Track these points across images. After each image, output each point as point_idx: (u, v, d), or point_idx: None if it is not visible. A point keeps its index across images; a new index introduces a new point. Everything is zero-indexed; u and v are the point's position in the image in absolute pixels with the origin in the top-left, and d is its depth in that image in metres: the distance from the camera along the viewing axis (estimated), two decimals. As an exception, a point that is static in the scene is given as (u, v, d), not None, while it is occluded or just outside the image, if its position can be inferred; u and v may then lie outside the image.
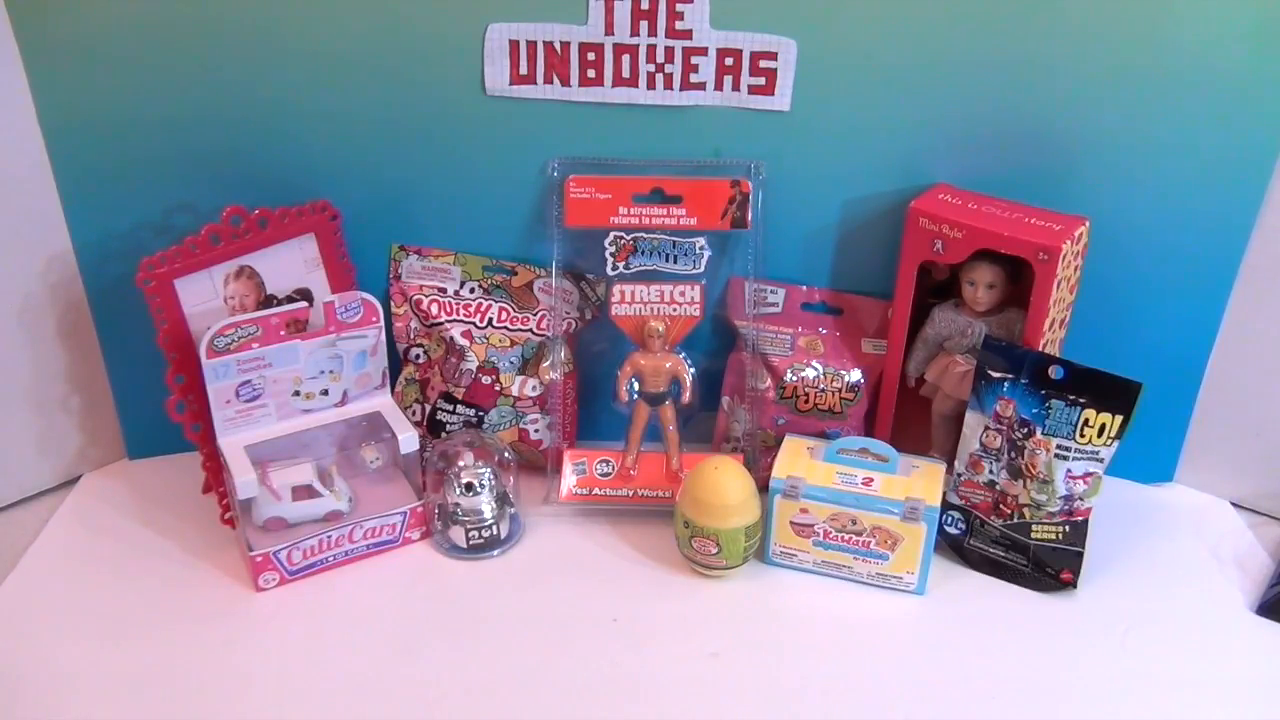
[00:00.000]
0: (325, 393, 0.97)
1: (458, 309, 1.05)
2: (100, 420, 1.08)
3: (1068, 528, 0.92)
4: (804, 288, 1.05)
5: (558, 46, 0.96)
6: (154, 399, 0.93)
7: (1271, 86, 0.90)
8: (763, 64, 0.95)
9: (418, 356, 1.07)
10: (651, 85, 0.97)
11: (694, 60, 0.95)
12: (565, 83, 0.97)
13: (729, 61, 0.95)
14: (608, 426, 1.06)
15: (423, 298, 1.05)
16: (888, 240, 0.99)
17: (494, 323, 1.05)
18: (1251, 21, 0.88)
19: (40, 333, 1.01)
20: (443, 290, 1.06)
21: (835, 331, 1.05)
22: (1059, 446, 0.89)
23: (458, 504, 0.97)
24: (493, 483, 0.98)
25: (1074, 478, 0.90)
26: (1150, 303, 1.00)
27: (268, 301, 0.99)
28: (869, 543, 0.93)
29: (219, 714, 0.82)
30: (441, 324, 1.05)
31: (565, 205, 0.99)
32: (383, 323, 0.96)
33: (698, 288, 1.00)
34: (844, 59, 0.94)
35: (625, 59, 0.96)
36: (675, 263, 1.00)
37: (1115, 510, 1.00)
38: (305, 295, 1.00)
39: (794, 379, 1.02)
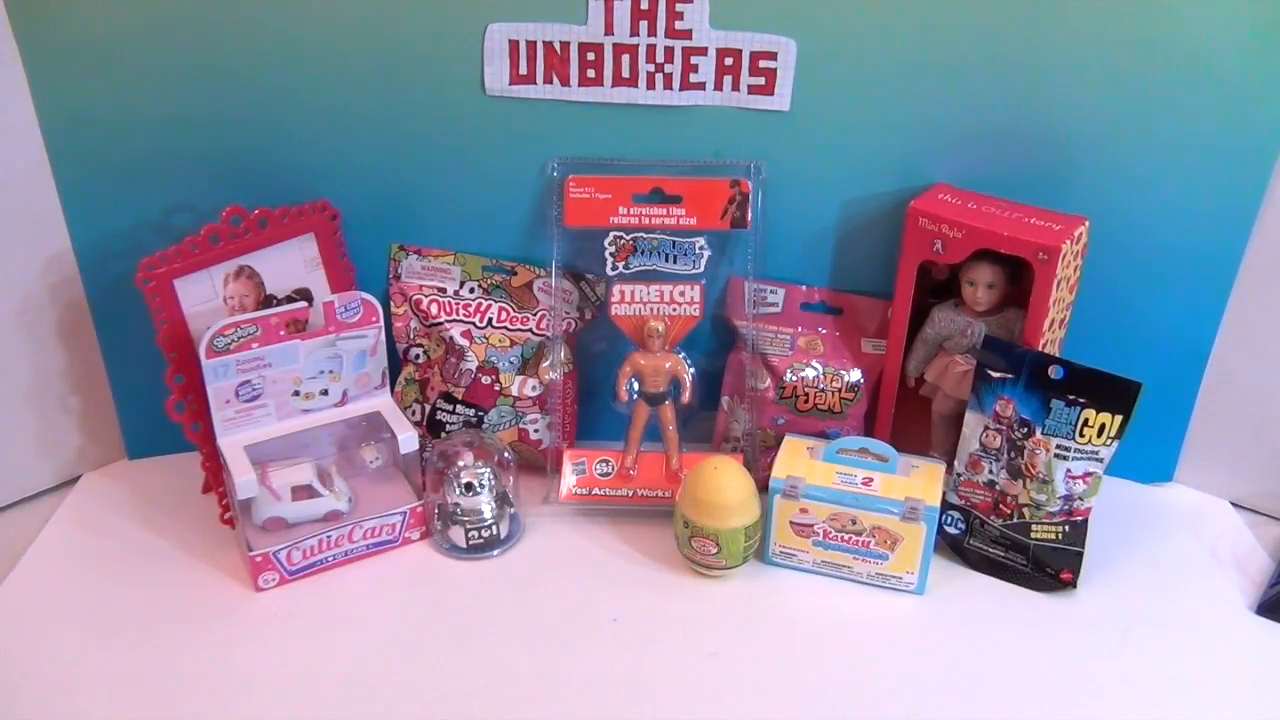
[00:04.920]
0: (325, 393, 0.97)
1: (457, 309, 1.05)
2: (100, 420, 1.08)
3: (1067, 528, 0.92)
4: (804, 288, 1.05)
5: (557, 46, 0.96)
6: (154, 399, 0.93)
7: (1271, 86, 0.90)
8: (762, 64, 0.95)
9: (418, 356, 1.07)
10: (651, 85, 0.97)
11: (694, 60, 0.95)
12: (565, 83, 0.97)
13: (729, 61, 0.95)
14: (607, 426, 1.06)
15: (422, 298, 1.05)
16: (888, 240, 0.99)
17: (494, 323, 1.05)
18: (1251, 21, 0.88)
19: (40, 333, 1.01)
20: (442, 290, 1.06)
21: (835, 331, 1.05)
22: (1059, 446, 0.90)
23: (457, 504, 0.97)
24: (493, 483, 0.98)
25: (1074, 477, 0.90)
26: (1150, 303, 1.00)
27: (267, 301, 0.99)
28: (869, 543, 0.93)
29: (219, 714, 0.81)
30: (441, 324, 1.05)
31: (565, 205, 0.99)
32: (382, 323, 0.96)
33: (697, 288, 1.00)
34: (844, 59, 0.94)
35: (625, 59, 0.96)
36: (675, 263, 1.00)
37: (1115, 510, 1.00)
38: (305, 295, 1.00)
39: (794, 379, 1.02)
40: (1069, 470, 0.90)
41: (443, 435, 1.05)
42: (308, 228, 0.99)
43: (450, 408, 1.05)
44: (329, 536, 0.95)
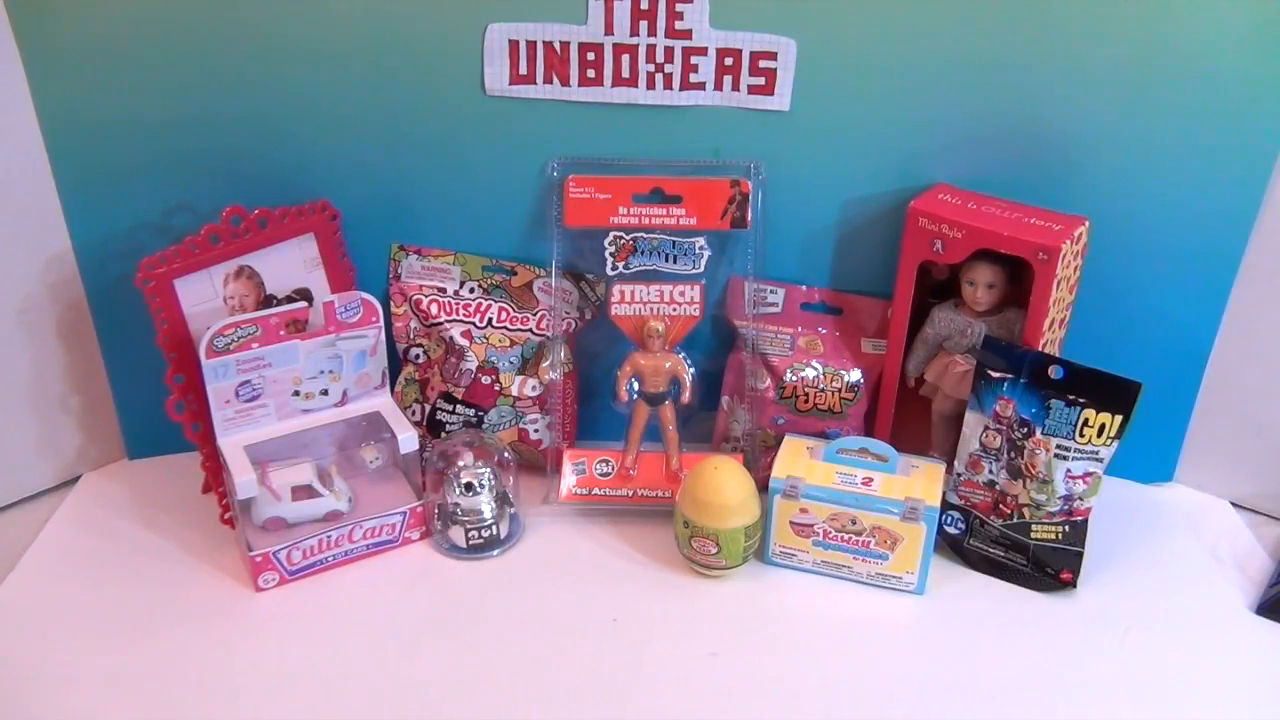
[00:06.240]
0: (325, 393, 0.97)
1: (457, 309, 1.05)
2: (100, 420, 1.08)
3: (1067, 527, 0.92)
4: (804, 288, 1.05)
5: (557, 46, 0.96)
6: (154, 399, 0.93)
7: (1271, 86, 0.90)
8: (762, 64, 0.95)
9: (417, 356, 1.07)
10: (651, 85, 0.97)
11: (694, 60, 0.95)
12: (565, 83, 0.97)
13: (729, 61, 0.95)
14: (607, 426, 1.06)
15: (422, 298, 1.05)
16: (888, 240, 0.99)
17: (494, 323, 1.05)
18: (1251, 22, 0.88)
19: (40, 333, 1.01)
20: (442, 290, 1.06)
21: (835, 331, 1.05)
22: (1059, 446, 0.90)
23: (457, 504, 0.97)
24: (492, 483, 0.98)
25: (1074, 477, 0.90)
26: (1150, 303, 1.00)
27: (267, 301, 0.99)
28: (869, 543, 0.93)
29: (219, 714, 0.82)
30: (441, 324, 1.05)
31: (565, 205, 0.99)
32: (382, 323, 0.96)
33: (697, 288, 1.00)
34: (844, 59, 0.94)
35: (625, 59, 0.96)
36: (675, 263, 1.00)
37: (1115, 510, 1.00)
38: (305, 295, 1.00)
39: (794, 379, 1.02)
40: (1069, 470, 0.90)
41: (443, 435, 1.05)
42: (308, 228, 0.99)
43: (450, 408, 1.05)
44: (329, 536, 0.95)
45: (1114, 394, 0.87)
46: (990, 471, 0.95)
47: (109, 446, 1.10)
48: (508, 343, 1.05)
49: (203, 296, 0.95)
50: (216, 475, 0.97)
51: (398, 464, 1.03)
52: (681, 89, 0.97)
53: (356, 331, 0.95)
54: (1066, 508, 0.92)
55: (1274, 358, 1.00)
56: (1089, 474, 0.90)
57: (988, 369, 0.92)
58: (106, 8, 0.92)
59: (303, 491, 0.97)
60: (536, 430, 1.06)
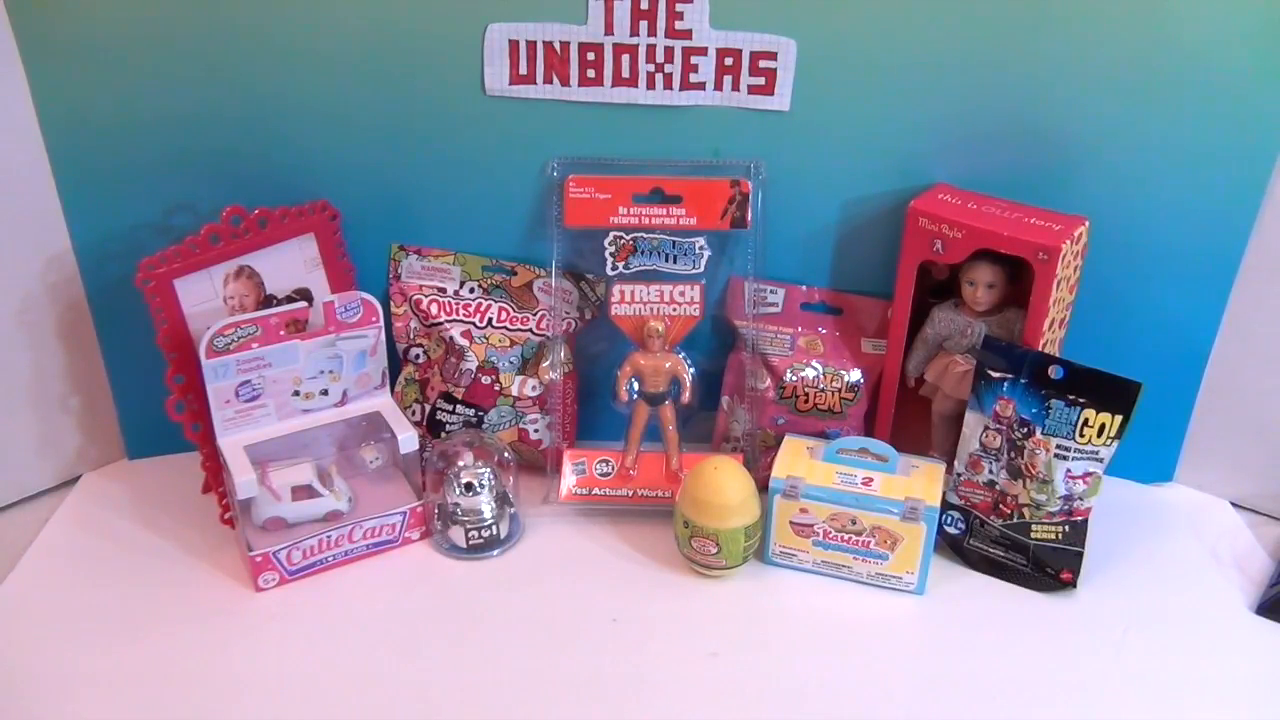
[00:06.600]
0: (325, 393, 0.97)
1: (457, 309, 1.05)
2: (100, 420, 1.08)
3: (1067, 527, 0.92)
4: (804, 288, 1.05)
5: (557, 46, 0.96)
6: (154, 399, 0.93)
7: (1271, 86, 0.90)
8: (762, 64, 0.95)
9: (417, 356, 1.07)
10: (651, 85, 0.97)
11: (694, 60, 0.95)
12: (565, 83, 0.97)
13: (729, 61, 0.95)
14: (607, 426, 1.06)
15: (422, 298, 1.05)
16: (888, 240, 0.99)
17: (494, 323, 1.05)
18: (1251, 21, 0.88)
19: (40, 333, 1.01)
20: (442, 290, 1.06)
21: (835, 331, 1.05)
22: (1059, 446, 0.90)
23: (457, 504, 0.97)
24: (492, 483, 0.98)
25: (1074, 477, 0.90)
26: (1150, 303, 1.00)
27: (267, 301, 0.99)
28: (869, 543, 0.93)
29: (219, 714, 0.82)
30: (441, 324, 1.05)
31: (565, 205, 0.99)
32: (382, 323, 0.96)
33: (697, 288, 1.00)
34: (844, 59, 0.94)
35: (625, 59, 0.96)
36: (675, 263, 1.00)
37: (1115, 510, 1.00)
38: (305, 295, 1.00)
39: (794, 379, 1.02)
40: (1069, 470, 0.90)
41: (443, 435, 1.05)
42: (308, 228, 0.99)
43: (450, 408, 1.05)
44: (329, 536, 0.95)
45: (1114, 394, 0.87)
46: (990, 471, 0.95)
47: (109, 446, 1.10)
48: (508, 343, 1.05)
49: (203, 296, 0.95)
50: (216, 475, 0.97)
51: (398, 464, 1.03)
52: (681, 89, 0.97)
53: (356, 331, 0.95)
54: (1066, 508, 0.92)
55: (1274, 358, 1.00)
56: (1089, 474, 0.90)
57: (988, 369, 0.92)
58: (106, 8, 0.92)
59: (303, 491, 0.97)
60: (536, 430, 1.06)
